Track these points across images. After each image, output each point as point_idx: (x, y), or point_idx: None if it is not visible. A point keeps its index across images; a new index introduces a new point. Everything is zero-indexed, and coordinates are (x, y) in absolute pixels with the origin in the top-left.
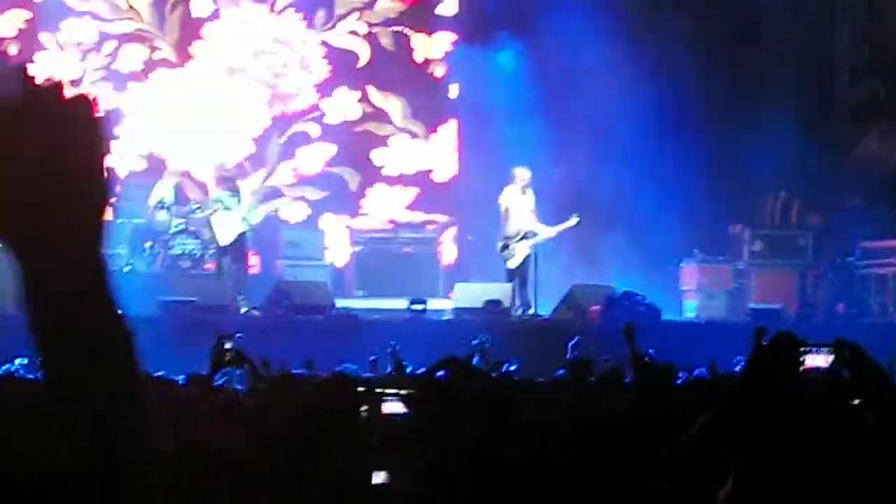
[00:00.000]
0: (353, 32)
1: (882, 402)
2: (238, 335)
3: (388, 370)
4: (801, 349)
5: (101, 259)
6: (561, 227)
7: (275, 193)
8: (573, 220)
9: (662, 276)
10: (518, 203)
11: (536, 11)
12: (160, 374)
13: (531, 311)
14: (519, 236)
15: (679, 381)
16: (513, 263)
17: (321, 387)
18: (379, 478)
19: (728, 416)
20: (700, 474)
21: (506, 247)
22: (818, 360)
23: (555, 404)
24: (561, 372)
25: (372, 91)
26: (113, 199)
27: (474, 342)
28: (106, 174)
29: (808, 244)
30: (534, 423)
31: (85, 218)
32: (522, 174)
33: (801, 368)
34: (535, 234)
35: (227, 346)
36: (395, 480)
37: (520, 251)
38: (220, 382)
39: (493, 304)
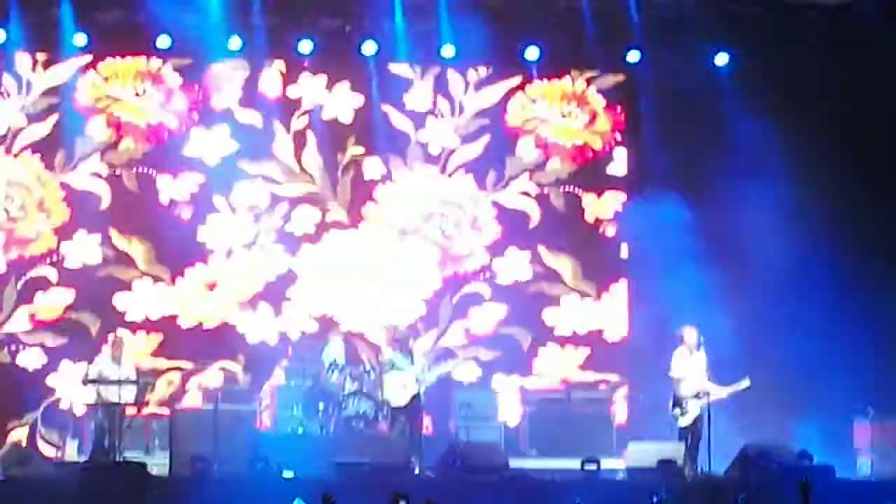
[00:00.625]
0: (525, 193)
1: None
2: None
3: None
4: None
5: None
6: (732, 389)
7: (447, 354)
8: (745, 383)
9: (836, 434)
10: (688, 362)
11: (703, 168)
12: None
13: (704, 470)
14: (691, 396)
15: None
16: (684, 422)
17: None
18: None
19: None
20: None
21: (677, 405)
22: None
23: None
24: None
25: (543, 251)
26: (285, 361)
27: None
28: None
29: None
30: None
31: None
32: (690, 334)
33: None
34: (706, 394)
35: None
36: None
37: (692, 410)
38: None
39: (666, 463)
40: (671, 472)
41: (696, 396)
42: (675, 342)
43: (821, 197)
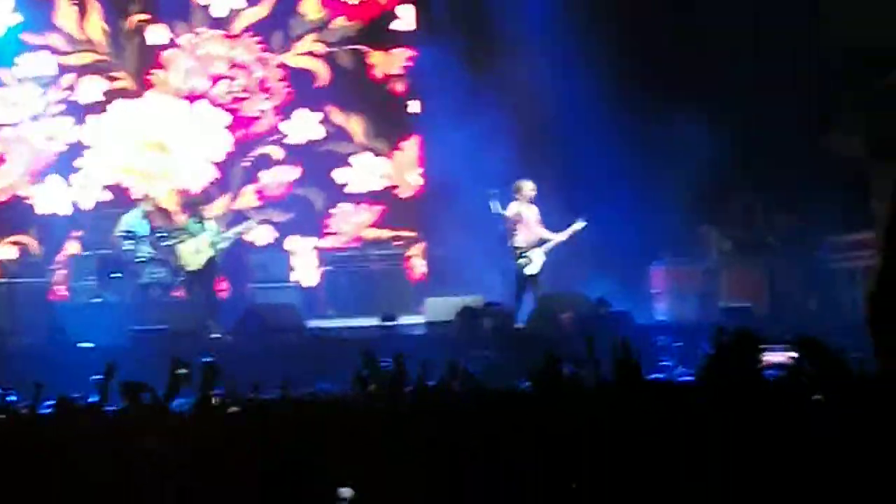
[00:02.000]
0: (311, 53)
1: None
2: (208, 359)
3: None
4: (761, 346)
5: None
6: (571, 231)
7: (240, 217)
8: (580, 224)
9: (633, 280)
10: (525, 214)
11: (488, 21)
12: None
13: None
14: (532, 244)
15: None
16: (531, 270)
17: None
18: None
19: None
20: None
21: (522, 255)
22: (777, 356)
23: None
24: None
25: (333, 111)
26: (80, 232)
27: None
28: None
29: (776, 242)
30: None
31: None
32: (528, 186)
33: (761, 365)
34: (546, 241)
35: (181, 370)
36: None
37: (536, 258)
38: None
39: (465, 310)
40: (469, 319)
41: (537, 245)
42: (470, 195)
43: (609, 41)
